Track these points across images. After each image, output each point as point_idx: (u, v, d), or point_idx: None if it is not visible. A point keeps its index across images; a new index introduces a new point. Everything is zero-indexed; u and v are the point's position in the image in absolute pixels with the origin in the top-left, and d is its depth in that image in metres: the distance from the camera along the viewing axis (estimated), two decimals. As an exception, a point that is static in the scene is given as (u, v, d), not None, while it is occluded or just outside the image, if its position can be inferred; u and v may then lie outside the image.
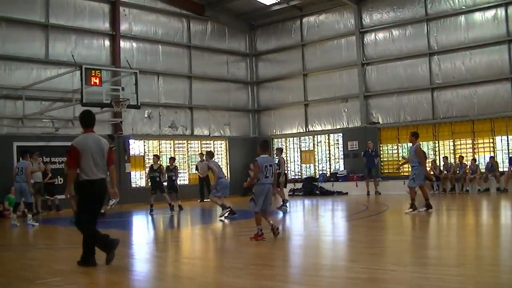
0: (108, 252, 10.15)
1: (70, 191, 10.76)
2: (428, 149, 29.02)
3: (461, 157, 27.09)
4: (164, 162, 29.03)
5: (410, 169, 27.23)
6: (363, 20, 31.18)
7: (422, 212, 17.59)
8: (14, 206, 20.09)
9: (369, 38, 31.12)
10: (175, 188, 23.68)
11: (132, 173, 29.41)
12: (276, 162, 20.53)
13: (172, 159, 25.06)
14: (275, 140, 35.26)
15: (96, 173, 10.22)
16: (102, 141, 10.51)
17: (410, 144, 28.97)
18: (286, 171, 22.99)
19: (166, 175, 23.44)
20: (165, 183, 23.45)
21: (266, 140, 14.04)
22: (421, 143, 27.51)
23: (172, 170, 23.88)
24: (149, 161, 29.99)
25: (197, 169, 29.74)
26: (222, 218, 18.96)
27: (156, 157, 23.99)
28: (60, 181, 25.66)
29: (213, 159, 20.84)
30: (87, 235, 10.32)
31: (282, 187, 22.89)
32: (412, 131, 20.93)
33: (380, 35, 30.70)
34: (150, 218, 21.35)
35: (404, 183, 26.48)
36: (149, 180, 23.83)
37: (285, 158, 22.65)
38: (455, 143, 28.27)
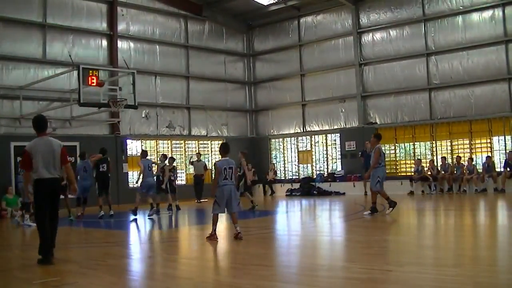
0: (43, 255, 10.86)
1: (28, 191, 11.36)
2: (425, 149, 29.10)
3: (459, 157, 27.08)
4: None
5: (406, 169, 27.42)
6: (360, 20, 31.23)
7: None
8: (23, 206, 20.36)
9: (367, 38, 31.16)
10: (173, 188, 23.67)
11: (130, 173, 29.36)
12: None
13: (171, 159, 25.04)
14: (273, 140, 35.33)
15: (46, 172, 10.93)
16: (54, 143, 11.20)
17: (407, 144, 29.36)
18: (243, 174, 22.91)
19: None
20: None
21: (226, 143, 14.36)
22: (393, 144, 27.59)
23: (171, 170, 23.84)
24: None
25: (191, 163, 29.63)
26: (152, 217, 20.23)
27: (164, 157, 24.04)
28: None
29: (147, 157, 21.56)
30: (38, 231, 11.12)
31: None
32: (375, 133, 20.55)
33: (378, 35, 30.75)
34: (148, 217, 21.35)
35: (401, 183, 26.72)
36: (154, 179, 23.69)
37: (245, 161, 22.69)
38: (453, 143, 28.29)
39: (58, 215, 11.49)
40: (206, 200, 27.87)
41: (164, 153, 26.09)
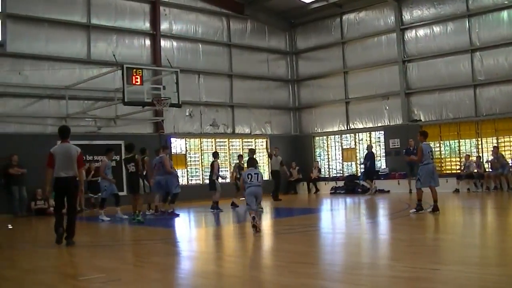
0: (56, 235, 13.35)
1: (47, 185, 13.62)
2: (471, 146, 28.76)
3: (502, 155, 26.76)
4: (206, 159, 29.68)
5: (451, 167, 27.04)
6: (403, 16, 30.99)
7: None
8: (101, 202, 20.95)
9: (410, 35, 30.88)
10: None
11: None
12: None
13: (241, 157, 25.23)
14: (317, 138, 35.25)
15: (62, 172, 13.26)
16: (72, 149, 13.60)
17: (452, 142, 29.01)
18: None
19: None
20: (221, 180, 24.17)
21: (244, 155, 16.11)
22: (439, 141, 27.26)
23: (243, 168, 23.93)
24: (191, 159, 30.41)
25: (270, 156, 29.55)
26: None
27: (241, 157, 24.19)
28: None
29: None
30: (55, 218, 13.56)
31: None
32: (420, 130, 20.21)
33: (421, 31, 30.46)
34: (195, 216, 21.45)
35: (447, 181, 26.42)
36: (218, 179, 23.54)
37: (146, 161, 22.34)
38: (499, 141, 27.90)
39: (75, 208, 14.03)
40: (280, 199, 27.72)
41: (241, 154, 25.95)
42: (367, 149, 30.53)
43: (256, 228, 14.10)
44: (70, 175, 13.34)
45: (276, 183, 28.06)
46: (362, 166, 30.77)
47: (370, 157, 29.67)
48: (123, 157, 21.40)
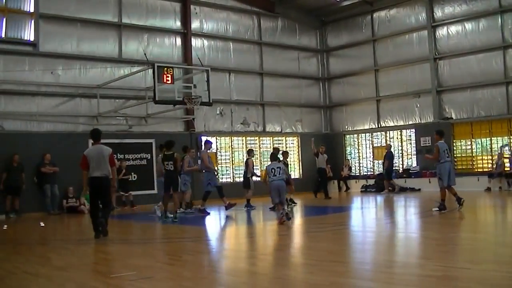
0: (95, 232, 14.16)
1: (85, 185, 14.64)
2: (502, 144, 28.46)
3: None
4: (236, 158, 29.80)
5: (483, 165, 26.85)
6: (434, 13, 30.73)
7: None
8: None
9: (441, 32, 30.61)
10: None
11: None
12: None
13: (286, 153, 24.75)
14: (347, 136, 35.16)
15: (95, 172, 14.17)
16: (104, 150, 14.44)
17: (484, 140, 28.73)
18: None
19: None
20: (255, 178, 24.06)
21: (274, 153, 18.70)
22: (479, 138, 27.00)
23: (286, 165, 23.62)
24: (221, 158, 30.49)
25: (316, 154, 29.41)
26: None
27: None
28: (134, 177, 26.17)
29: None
30: (90, 215, 14.67)
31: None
32: (437, 129, 20.00)
33: (453, 28, 30.17)
34: (229, 214, 21.46)
35: (478, 180, 26.23)
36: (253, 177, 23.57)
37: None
38: (531, 139, 27.62)
39: (109, 203, 15.36)
40: (330, 197, 27.60)
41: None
42: (386, 149, 30.36)
43: (282, 215, 15.97)
44: (103, 175, 14.20)
45: (322, 181, 27.99)
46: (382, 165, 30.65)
47: (389, 157, 29.52)
48: (153, 155, 21.59)
